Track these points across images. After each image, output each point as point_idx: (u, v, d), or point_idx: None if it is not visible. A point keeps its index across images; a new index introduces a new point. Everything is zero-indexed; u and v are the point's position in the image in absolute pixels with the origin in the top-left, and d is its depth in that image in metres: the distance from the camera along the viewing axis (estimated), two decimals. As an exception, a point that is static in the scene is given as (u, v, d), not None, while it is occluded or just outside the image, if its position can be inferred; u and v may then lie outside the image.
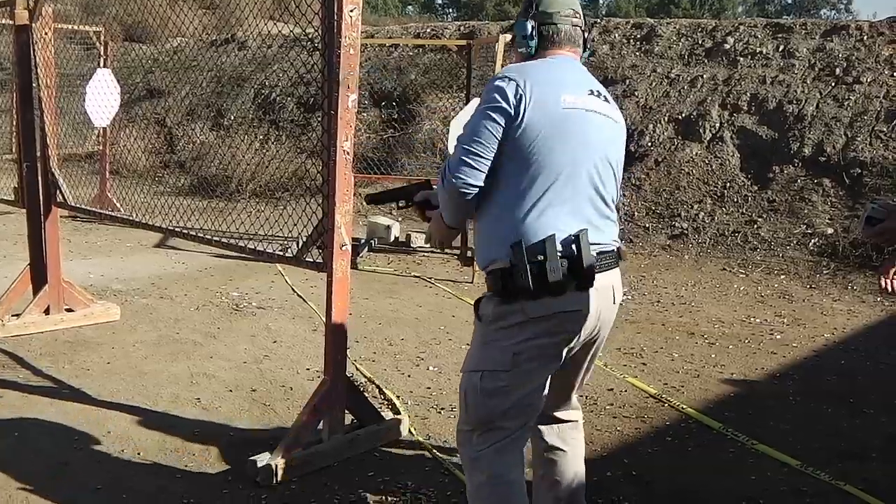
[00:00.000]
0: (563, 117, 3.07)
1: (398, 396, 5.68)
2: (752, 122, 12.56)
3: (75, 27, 14.48)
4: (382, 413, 5.22)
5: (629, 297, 8.63)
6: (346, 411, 4.82)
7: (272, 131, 17.07)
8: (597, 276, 3.08)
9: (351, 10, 4.27)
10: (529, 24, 3.31)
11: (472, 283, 9.26)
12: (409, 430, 5.14)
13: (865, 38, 13.10)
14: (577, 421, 3.60)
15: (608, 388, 6.04)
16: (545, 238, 3.00)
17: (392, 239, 11.28)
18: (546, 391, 3.25)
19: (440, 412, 5.49)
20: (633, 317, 7.93)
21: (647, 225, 11.57)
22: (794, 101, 12.51)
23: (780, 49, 13.58)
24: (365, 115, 16.12)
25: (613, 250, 3.23)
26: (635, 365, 6.60)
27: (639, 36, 15.08)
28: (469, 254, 9.85)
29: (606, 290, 3.20)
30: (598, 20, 16.86)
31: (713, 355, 6.91)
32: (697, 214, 11.42)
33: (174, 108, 19.71)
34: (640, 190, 12.18)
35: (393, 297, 8.56)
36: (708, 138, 12.55)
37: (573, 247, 3.02)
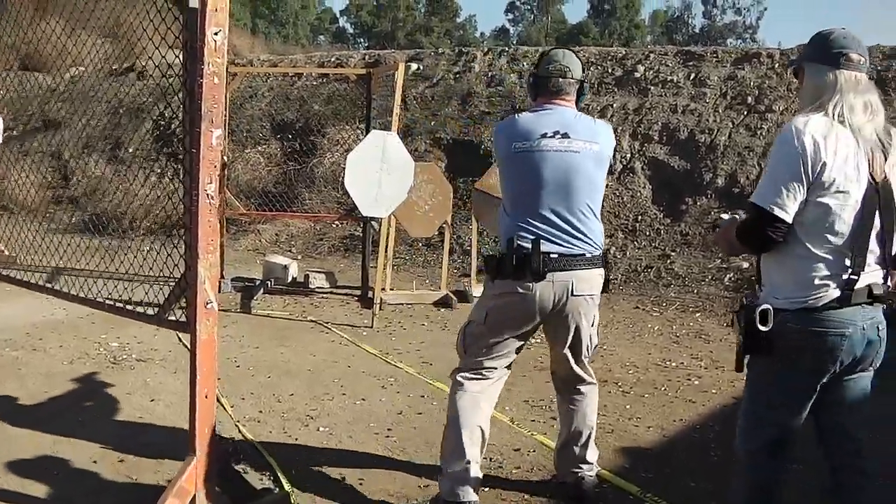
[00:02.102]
0: (512, 159, 4.43)
1: (282, 467, 5.09)
2: (664, 153, 12.27)
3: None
4: (264, 487, 4.68)
5: (536, 341, 8.16)
6: (219, 490, 4.24)
7: (170, 164, 16.37)
8: (554, 273, 4.30)
9: (215, 33, 3.73)
10: (531, 80, 4.64)
11: (370, 327, 8.67)
12: (294, 508, 4.58)
13: (776, 66, 12.91)
14: (584, 393, 4.80)
15: (514, 447, 5.53)
16: (507, 240, 4.38)
17: (289, 279, 10.69)
18: (514, 349, 4.60)
19: (327, 485, 4.91)
20: (543, 363, 7.42)
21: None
22: (707, 131, 12.25)
23: (692, 77, 13.33)
24: (266, 147, 15.56)
25: (579, 254, 4.34)
26: (545, 420, 6.09)
27: (547, 65, 14.72)
28: (370, 294, 9.32)
29: (562, 283, 4.32)
30: (507, 49, 16.50)
31: (628, 406, 6.43)
32: (608, 249, 10.97)
33: (70, 140, 18.96)
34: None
35: (285, 344, 7.98)
36: (619, 169, 12.21)
37: (529, 249, 4.29)
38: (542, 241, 4.28)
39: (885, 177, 3.37)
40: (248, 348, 7.77)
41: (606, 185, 10.92)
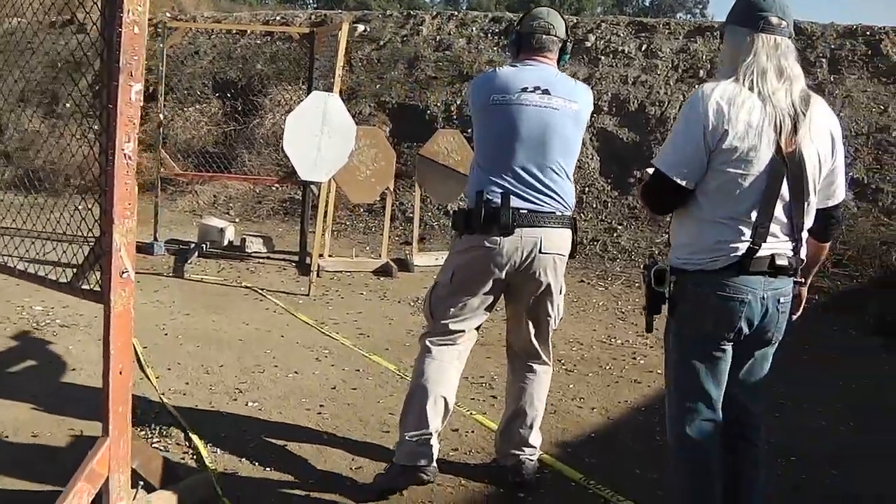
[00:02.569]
0: (489, 110, 4.33)
1: (206, 444, 4.81)
2: (613, 124, 12.06)
3: None
4: (186, 466, 4.41)
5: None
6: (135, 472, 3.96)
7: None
8: (522, 228, 4.19)
9: (135, -21, 3.44)
10: (512, 36, 4.61)
11: (307, 295, 8.38)
12: (216, 490, 4.29)
13: (729, 39, 12.65)
14: (537, 372, 4.64)
15: (452, 427, 5.25)
16: (476, 193, 4.28)
17: (225, 243, 10.38)
18: (482, 310, 4.46)
19: (253, 464, 4.63)
20: (484, 337, 7.17)
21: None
22: (657, 103, 12.04)
23: (643, 48, 13.11)
24: (207, 106, 15.14)
25: (549, 212, 4.25)
26: (484, 398, 5.88)
27: (497, 30, 14.41)
28: (308, 260, 9.02)
29: (531, 239, 4.21)
30: (456, 13, 16.17)
31: (571, 385, 6.23)
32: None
33: (3, 93, 18.38)
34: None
35: (218, 312, 7.66)
36: (567, 139, 11.95)
37: (498, 203, 4.20)
38: (511, 196, 4.22)
39: (795, 147, 3.27)
40: (178, 315, 7.45)
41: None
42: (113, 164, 3.56)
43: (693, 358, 3.46)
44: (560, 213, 4.31)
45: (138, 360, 6.11)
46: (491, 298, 4.44)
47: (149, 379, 5.80)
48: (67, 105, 16.71)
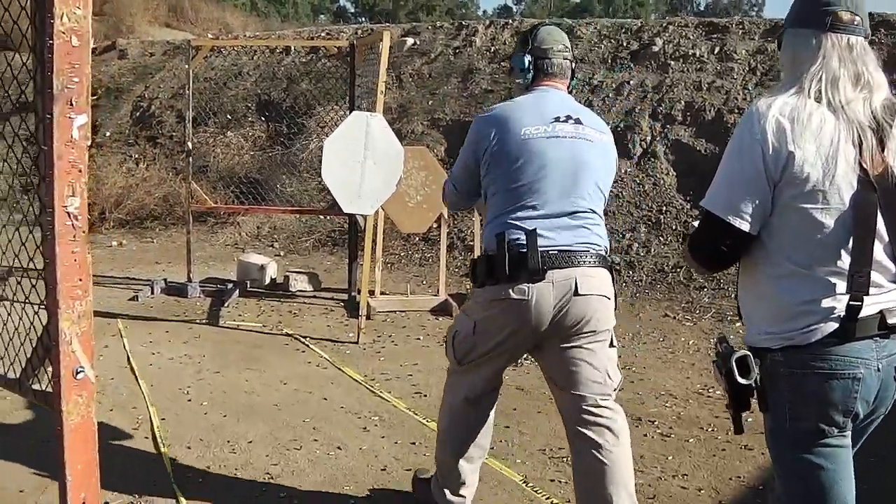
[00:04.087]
0: (519, 147, 3.75)
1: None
2: (689, 135, 10.91)
3: None
4: None
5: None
6: None
7: (149, 149, 15.11)
8: (554, 271, 3.61)
9: (71, -33, 2.50)
10: (527, 59, 3.97)
11: (356, 343, 7.37)
12: None
13: (812, 37, 11.53)
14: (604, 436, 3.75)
15: (529, 520, 4.25)
16: (496, 236, 3.72)
17: (267, 281, 9.42)
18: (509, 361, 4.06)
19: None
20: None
21: (572, 259, 9.72)
22: (736, 110, 10.89)
23: (716, 51, 11.98)
24: (250, 130, 14.29)
25: (584, 250, 3.69)
26: (565, 479, 4.80)
27: (556, 38, 13.38)
28: (357, 299, 8.02)
29: (567, 282, 3.62)
30: (511, 21, 15.14)
31: (670, 457, 5.12)
32: (630, 245, 9.68)
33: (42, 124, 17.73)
34: (563, 216, 10.38)
35: (253, 367, 6.68)
36: (638, 154, 10.86)
37: (524, 245, 3.63)
38: (538, 236, 3.66)
39: (885, 168, 2.57)
40: (206, 373, 6.50)
41: (624, 172, 9.72)
42: (53, 227, 2.60)
43: (804, 461, 2.66)
44: (595, 252, 3.77)
45: (154, 436, 5.19)
46: (521, 352, 4.03)
47: (164, 461, 4.85)
48: (107, 134, 16.01)
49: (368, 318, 7.78)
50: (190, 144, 9.47)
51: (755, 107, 2.64)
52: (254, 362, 6.81)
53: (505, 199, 3.77)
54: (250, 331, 7.76)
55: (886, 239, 2.58)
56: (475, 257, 4.11)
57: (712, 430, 5.51)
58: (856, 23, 2.66)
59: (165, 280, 9.30)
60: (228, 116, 14.61)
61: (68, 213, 2.60)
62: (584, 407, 3.75)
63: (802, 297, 2.57)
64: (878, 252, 2.58)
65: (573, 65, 4.10)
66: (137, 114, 16.32)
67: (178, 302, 8.73)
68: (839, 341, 2.53)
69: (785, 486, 2.77)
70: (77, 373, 2.64)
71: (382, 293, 8.72)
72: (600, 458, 3.71)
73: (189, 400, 5.94)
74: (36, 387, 2.91)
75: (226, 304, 8.41)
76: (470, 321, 3.88)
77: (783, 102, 2.59)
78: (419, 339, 7.61)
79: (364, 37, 11.08)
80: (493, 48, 13.80)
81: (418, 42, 14.56)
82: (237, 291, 8.92)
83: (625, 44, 12.73)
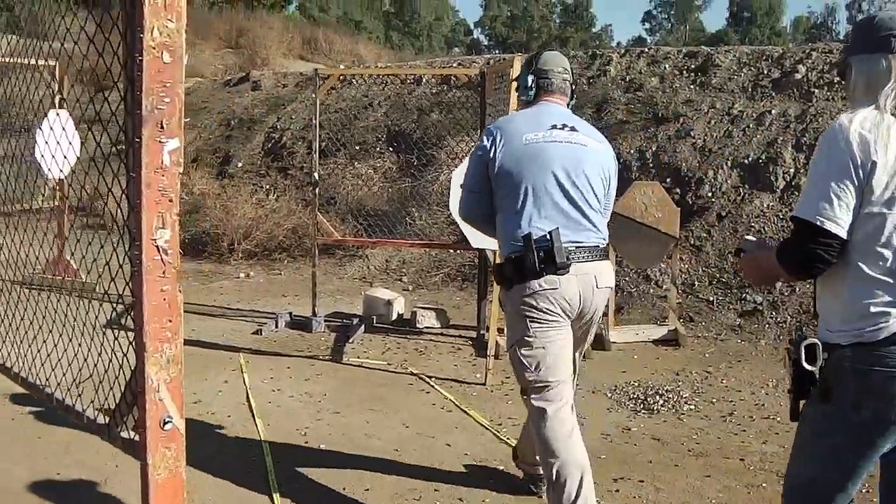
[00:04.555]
0: (522, 151, 4.28)
1: None
2: (836, 167, 10.33)
3: (24, 61, 12.61)
4: None
5: (692, 407, 6.49)
6: None
7: (279, 180, 15.08)
8: (576, 265, 4.14)
9: (163, -19, 2.29)
10: (530, 78, 4.57)
11: (483, 385, 7.04)
12: None
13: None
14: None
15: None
16: (523, 237, 4.14)
17: (394, 317, 9.17)
18: (568, 353, 4.31)
19: None
20: (701, 444, 5.75)
21: (711, 298, 9.20)
22: (887, 141, 10.27)
23: (865, 78, 11.34)
24: (380, 161, 14.13)
25: (594, 245, 4.27)
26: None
27: (693, 66, 12.90)
28: (485, 338, 7.69)
29: (587, 276, 4.20)
30: (646, 50, 14.70)
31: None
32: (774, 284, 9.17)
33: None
34: (701, 252, 9.85)
35: (375, 408, 6.40)
36: (781, 187, 10.30)
37: (548, 241, 4.10)
38: (558, 230, 4.15)
39: None
40: (325, 414, 6.25)
41: (767, 206, 9.21)
42: (141, 262, 2.37)
43: (844, 450, 2.87)
44: (603, 246, 4.36)
45: (268, 479, 4.96)
46: (569, 339, 4.33)
47: (275, 511, 4.61)
48: (239, 164, 16.08)
49: (497, 357, 7.45)
50: (317, 175, 9.30)
51: (838, 122, 2.82)
52: (376, 402, 6.54)
53: (516, 202, 4.24)
54: (374, 369, 7.49)
55: None
56: (498, 262, 4.64)
57: (866, 492, 5.05)
58: None
59: (290, 314, 9.12)
60: (358, 147, 14.48)
61: (157, 246, 2.38)
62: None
63: (873, 298, 2.77)
64: None
65: (573, 85, 4.68)
66: (269, 145, 16.34)
67: (302, 336, 8.54)
68: None
69: (812, 471, 2.97)
70: (165, 423, 2.43)
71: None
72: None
73: (306, 441, 5.70)
74: (125, 434, 2.68)
75: (350, 341, 8.18)
76: (514, 330, 4.30)
77: (863, 117, 2.80)
78: None
79: (495, 65, 10.76)
80: (627, 77, 13.38)
81: (551, 71, 14.26)
82: (363, 327, 8.68)
83: (765, 72, 12.19)
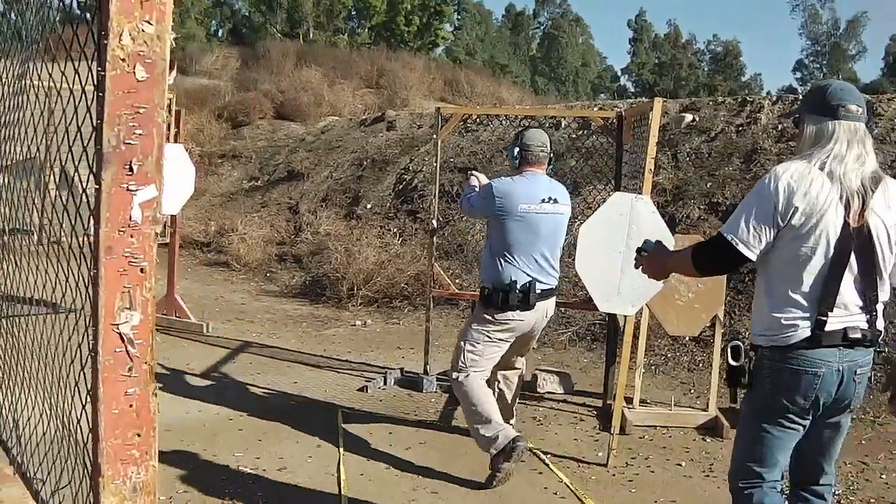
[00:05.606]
0: (517, 217, 5.82)
1: None
2: None
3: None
4: None
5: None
6: None
7: (408, 224, 14.48)
8: (539, 301, 5.93)
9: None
10: (516, 150, 6.06)
11: (605, 466, 6.21)
12: None
13: None
14: (519, 369, 6.57)
15: None
16: (511, 281, 5.84)
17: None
18: (498, 359, 6.11)
19: None
20: None
21: (869, 374, 8.12)
22: None
23: None
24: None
25: (552, 287, 6.06)
26: None
27: (853, 117, 11.85)
28: (612, 409, 6.83)
29: (541, 310, 6.02)
30: (800, 97, 13.67)
31: None
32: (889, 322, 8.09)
33: (310, 192, 17.51)
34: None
35: (479, 489, 5.64)
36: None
37: (527, 288, 5.85)
38: (535, 281, 5.88)
39: (863, 223, 3.46)
40: (422, 491, 5.52)
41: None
42: (97, 355, 1.68)
43: (766, 429, 3.64)
44: (556, 286, 6.19)
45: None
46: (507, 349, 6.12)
47: None
48: (369, 206, 15.58)
49: (623, 431, 6.62)
50: (435, 223, 8.60)
51: (774, 170, 3.55)
52: (481, 482, 5.76)
53: (510, 249, 5.88)
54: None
55: (857, 275, 3.45)
56: (487, 287, 5.96)
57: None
58: (859, 113, 3.52)
59: (402, 370, 8.43)
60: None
61: (121, 334, 1.68)
62: (514, 359, 6.42)
63: (786, 312, 3.49)
64: (848, 285, 3.45)
65: (550, 155, 6.09)
66: (400, 186, 15.82)
67: (410, 396, 7.82)
68: (809, 346, 3.44)
69: (744, 447, 3.72)
70: None
71: (643, 402, 7.50)
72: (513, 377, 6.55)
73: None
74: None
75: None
76: (482, 335, 5.96)
77: (794, 169, 3.49)
78: (680, 464, 6.30)
79: (633, 107, 9.81)
80: (780, 126, 12.37)
81: (697, 118, 13.34)
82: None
83: (935, 125, 11.11)
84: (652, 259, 4.06)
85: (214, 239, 16.30)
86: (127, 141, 1.62)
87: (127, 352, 1.67)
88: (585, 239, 5.97)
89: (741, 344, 3.71)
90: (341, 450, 6.21)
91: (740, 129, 12.69)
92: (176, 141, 10.11)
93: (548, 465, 6.17)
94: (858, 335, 3.44)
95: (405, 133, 18.07)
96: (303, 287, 13.33)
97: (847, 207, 3.40)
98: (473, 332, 5.93)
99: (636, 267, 4.22)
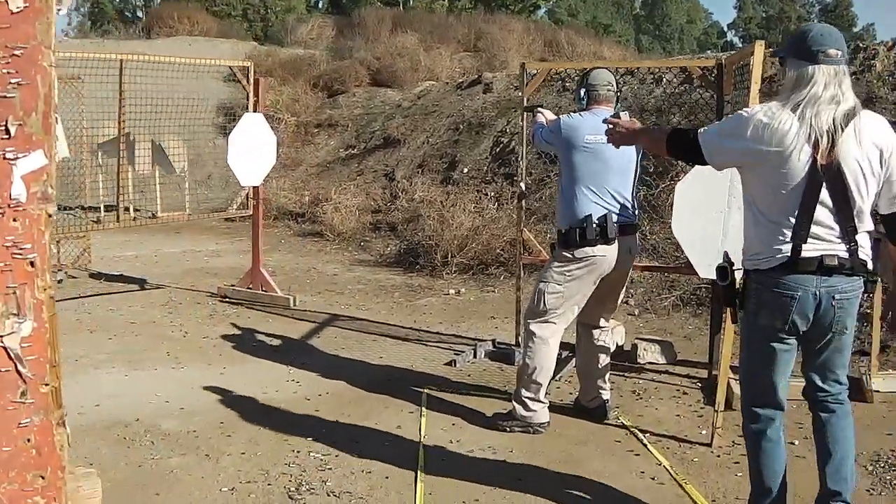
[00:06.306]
0: (584, 148, 5.77)
1: None
2: None
3: (218, 62, 11.96)
4: None
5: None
6: None
7: (505, 187, 13.98)
8: (620, 237, 5.74)
9: None
10: (582, 91, 6.09)
11: (709, 446, 5.68)
12: None
13: None
14: (605, 327, 6.28)
15: None
16: (586, 216, 5.69)
17: (612, 348, 7.82)
18: (582, 305, 5.94)
19: None
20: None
21: None
22: None
23: None
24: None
25: (631, 222, 5.94)
26: None
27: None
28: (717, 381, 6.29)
29: (624, 246, 5.79)
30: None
31: None
32: None
33: (406, 159, 17.14)
34: None
35: (568, 471, 5.18)
36: None
37: (603, 222, 5.66)
38: (612, 214, 5.74)
39: (833, 160, 3.70)
40: (506, 477, 5.05)
41: None
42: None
43: (757, 348, 4.02)
44: (637, 223, 6.19)
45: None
46: (591, 293, 5.92)
47: None
48: (465, 170, 15.14)
49: (729, 407, 6.07)
50: (523, 185, 8.11)
51: (754, 108, 3.98)
52: (572, 466, 5.28)
53: (582, 183, 5.76)
54: (578, 418, 6.20)
55: (833, 208, 3.75)
56: (563, 228, 5.83)
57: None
58: (839, 56, 3.80)
59: (494, 341, 7.99)
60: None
61: (6, 349, 1.26)
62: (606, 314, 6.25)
63: (765, 239, 3.87)
64: (822, 215, 3.76)
65: (618, 94, 6.16)
66: (497, 150, 15.32)
67: (501, 370, 7.35)
68: (786, 271, 3.80)
69: (746, 358, 4.13)
70: None
71: (734, 378, 6.93)
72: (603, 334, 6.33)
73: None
74: None
75: (556, 377, 6.90)
76: (564, 276, 5.79)
77: (769, 108, 3.85)
78: (793, 443, 5.61)
79: (733, 55, 9.06)
80: (894, 75, 11.59)
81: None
82: (573, 362, 7.28)
83: None
84: (628, 130, 4.42)
85: (308, 209, 16.04)
86: (2, 94, 1.20)
87: (17, 371, 1.25)
88: (682, 199, 5.56)
89: (727, 265, 4.07)
90: (423, 431, 5.81)
91: (854, 77, 11.88)
92: (255, 110, 9.77)
93: (646, 446, 5.66)
94: (835, 262, 3.74)
95: (502, 95, 17.56)
96: (397, 256, 12.97)
97: (815, 146, 3.69)
98: (554, 273, 5.81)
99: (606, 133, 4.53)
